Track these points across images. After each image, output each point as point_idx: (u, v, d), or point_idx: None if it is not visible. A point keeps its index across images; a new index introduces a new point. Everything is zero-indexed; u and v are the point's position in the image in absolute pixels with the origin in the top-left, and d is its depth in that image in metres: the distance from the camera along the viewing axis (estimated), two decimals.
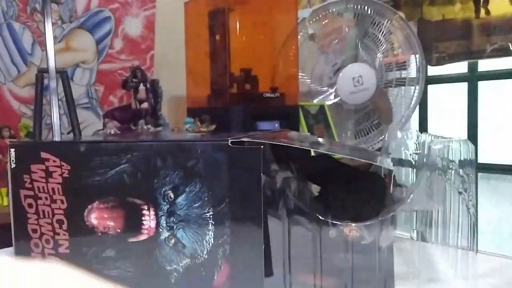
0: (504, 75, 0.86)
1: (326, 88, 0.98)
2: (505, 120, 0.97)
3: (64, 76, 0.88)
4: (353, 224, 0.42)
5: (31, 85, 1.08)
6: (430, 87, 0.94)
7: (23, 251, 0.51)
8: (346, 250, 0.42)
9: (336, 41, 0.98)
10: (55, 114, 0.81)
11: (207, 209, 0.44)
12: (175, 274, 0.46)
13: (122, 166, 0.47)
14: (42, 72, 0.90)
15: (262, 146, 0.42)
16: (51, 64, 0.86)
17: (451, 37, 1.23)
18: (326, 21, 0.98)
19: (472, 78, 0.89)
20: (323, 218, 0.42)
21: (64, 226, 0.49)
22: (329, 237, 0.42)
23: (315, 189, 0.55)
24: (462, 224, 0.43)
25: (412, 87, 0.90)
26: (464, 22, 1.18)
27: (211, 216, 0.44)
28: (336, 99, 0.95)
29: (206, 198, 0.44)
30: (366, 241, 0.41)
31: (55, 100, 0.82)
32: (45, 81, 0.92)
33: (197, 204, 0.44)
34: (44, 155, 0.49)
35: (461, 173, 0.43)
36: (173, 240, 0.45)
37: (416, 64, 0.90)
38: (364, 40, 0.95)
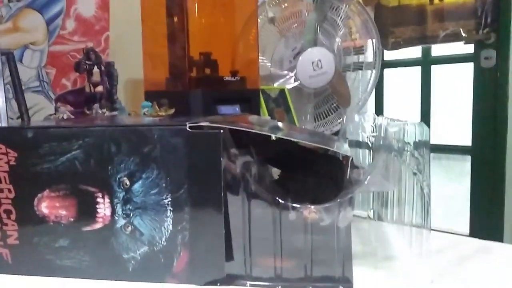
0: (456, 60, 0.89)
1: (286, 72, 0.98)
2: (456, 103, 1.01)
3: (11, 57, 0.82)
4: (312, 207, 0.42)
5: None
6: (386, 71, 0.96)
7: None
8: (305, 232, 0.42)
9: (296, 25, 0.97)
10: (1, 99, 0.76)
11: (165, 195, 0.43)
12: (132, 262, 0.44)
13: (73, 153, 0.44)
14: None
15: (221, 131, 0.42)
16: None
17: (406, 23, 1.26)
18: (286, 4, 0.98)
19: (426, 62, 0.91)
20: (282, 201, 0.42)
21: (13, 216, 0.47)
22: (289, 219, 0.42)
23: (275, 172, 0.55)
24: (416, 203, 0.44)
25: (369, 71, 0.92)
26: (419, 8, 1.21)
27: (169, 203, 0.43)
28: (296, 83, 0.96)
29: (163, 185, 0.43)
30: (324, 222, 0.42)
31: (1, 83, 0.77)
32: None
33: (154, 191, 0.43)
34: None
35: (415, 154, 0.44)
36: (129, 228, 0.44)
37: (373, 48, 0.91)
38: (323, 25, 0.95)
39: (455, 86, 1.06)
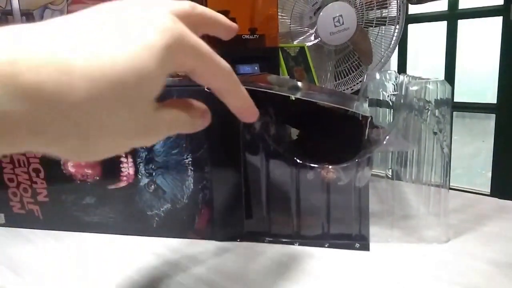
0: (484, 13, 0.85)
1: (307, 28, 0.96)
2: (482, 59, 0.97)
3: (30, 18, 0.83)
4: (330, 167, 0.42)
5: None
6: (410, 26, 0.93)
7: (1, 200, 0.51)
8: (323, 191, 0.43)
9: None
10: None
11: (186, 155, 0.44)
12: (156, 218, 0.46)
13: None
14: (6, 14, 0.84)
15: None
16: (15, 5, 0.80)
17: None
18: None
19: (452, 16, 0.87)
20: (301, 162, 0.43)
21: (41, 175, 0.49)
22: (307, 179, 0.43)
23: (294, 133, 0.55)
24: (436, 163, 0.44)
25: (392, 27, 0.89)
26: None
27: (190, 162, 0.44)
28: (317, 40, 0.93)
29: (184, 145, 0.44)
30: (342, 182, 0.42)
31: None
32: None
33: (175, 151, 0.44)
34: None
35: (436, 113, 0.43)
36: (153, 186, 0.45)
37: (397, 2, 0.87)
38: None
39: (482, 42, 1.02)
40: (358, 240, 0.43)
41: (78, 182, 0.47)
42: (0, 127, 0.19)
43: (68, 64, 0.20)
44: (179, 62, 0.24)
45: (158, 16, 0.23)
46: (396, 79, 0.57)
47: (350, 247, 0.43)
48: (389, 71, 0.60)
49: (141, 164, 0.45)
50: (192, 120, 0.29)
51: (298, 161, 0.43)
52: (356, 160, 0.42)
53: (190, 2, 0.27)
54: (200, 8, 0.29)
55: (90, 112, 0.21)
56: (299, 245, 0.44)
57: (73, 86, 0.20)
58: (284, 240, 0.45)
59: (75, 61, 0.20)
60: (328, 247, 0.43)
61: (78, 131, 0.21)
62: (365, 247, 0.43)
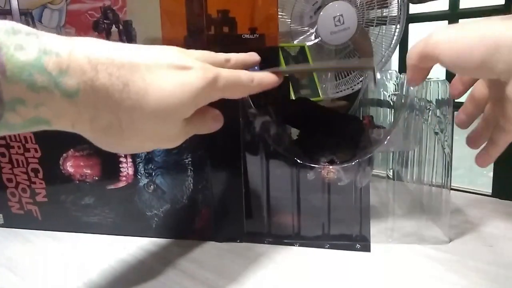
0: (485, 12, 0.85)
1: (307, 28, 0.96)
2: None
3: (29, 17, 0.82)
4: (331, 167, 0.42)
5: None
6: (411, 26, 0.92)
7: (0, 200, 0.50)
8: (323, 191, 0.43)
9: None
10: None
11: (185, 155, 0.44)
12: (155, 219, 0.46)
13: None
14: (5, 14, 0.84)
15: None
16: (14, 4, 0.80)
17: None
18: None
19: (453, 16, 0.87)
20: (301, 162, 0.43)
21: (40, 175, 0.48)
22: (308, 179, 0.43)
23: (294, 133, 0.55)
24: (437, 163, 0.43)
25: (393, 26, 0.88)
26: None
27: (190, 162, 0.44)
28: (317, 40, 0.93)
29: (183, 145, 0.43)
30: (343, 182, 0.42)
31: None
32: None
33: (175, 151, 0.44)
34: None
35: (438, 113, 0.43)
36: (152, 187, 0.45)
37: (398, 1, 0.87)
38: None
39: None
40: (359, 241, 0.43)
41: (77, 182, 0.47)
42: (66, 109, 0.26)
43: (145, 85, 0.28)
44: (209, 98, 0.32)
45: (196, 64, 0.31)
46: (397, 78, 0.57)
47: (351, 248, 0.43)
48: (390, 71, 0.59)
49: (140, 164, 0.45)
50: (208, 124, 0.36)
51: (298, 161, 0.43)
52: (357, 160, 0.42)
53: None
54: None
55: (137, 121, 0.28)
56: (299, 246, 0.44)
57: (145, 100, 0.28)
58: (284, 241, 0.44)
59: (150, 85, 0.28)
60: (328, 248, 0.43)
61: (120, 129, 0.28)
62: (366, 248, 0.42)
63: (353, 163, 0.41)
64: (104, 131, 0.28)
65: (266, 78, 0.36)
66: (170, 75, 0.29)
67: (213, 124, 0.36)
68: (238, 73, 0.34)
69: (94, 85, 0.26)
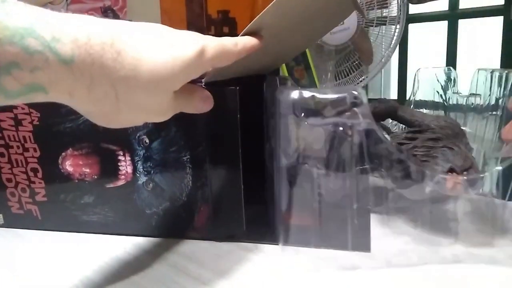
0: (484, 13, 0.84)
1: None
2: (482, 58, 0.97)
3: None
4: (460, 176, 0.35)
5: None
6: (410, 26, 0.92)
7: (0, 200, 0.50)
8: (314, 191, 0.42)
9: None
10: None
11: (184, 153, 0.43)
12: (155, 217, 0.46)
13: None
14: None
15: (237, 88, 0.41)
16: None
17: None
18: None
19: (453, 16, 0.87)
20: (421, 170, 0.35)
21: (39, 174, 0.48)
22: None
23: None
24: None
25: (393, 26, 0.88)
26: None
27: (188, 160, 0.43)
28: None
29: (182, 142, 0.43)
30: (469, 195, 0.36)
31: None
32: None
33: (173, 149, 0.43)
34: None
35: None
36: (151, 185, 0.45)
37: (397, 2, 0.87)
38: None
39: (483, 42, 1.02)
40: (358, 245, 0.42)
41: (76, 181, 0.47)
42: (62, 75, 0.26)
43: (139, 55, 0.29)
44: (200, 69, 0.33)
45: (185, 35, 0.32)
46: (449, 77, 0.52)
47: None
48: (441, 67, 0.54)
49: (139, 162, 0.45)
50: (194, 103, 0.37)
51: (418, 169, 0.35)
52: (486, 172, 0.35)
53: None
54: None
55: (132, 91, 0.29)
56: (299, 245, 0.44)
57: (138, 71, 0.29)
58: (283, 241, 0.44)
59: (143, 56, 0.29)
60: (328, 248, 0.43)
61: (116, 100, 0.29)
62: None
63: (479, 175, 0.35)
64: (101, 101, 0.29)
65: (249, 40, 0.36)
66: (161, 47, 0.30)
67: (200, 104, 0.37)
68: (222, 40, 0.34)
69: (89, 52, 0.27)
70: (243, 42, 0.36)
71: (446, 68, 0.57)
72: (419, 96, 0.59)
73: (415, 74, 0.61)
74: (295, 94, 0.38)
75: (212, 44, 0.33)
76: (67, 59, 0.26)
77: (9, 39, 0.24)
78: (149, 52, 0.29)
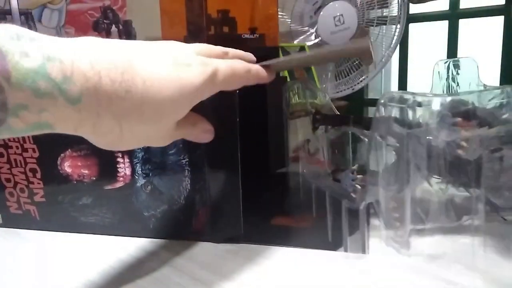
0: (485, 13, 0.84)
1: (307, 28, 0.95)
2: (483, 58, 0.97)
3: (29, 17, 0.82)
4: None
5: None
6: (411, 25, 0.92)
7: None
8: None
9: None
10: None
11: (183, 155, 0.43)
12: (153, 219, 0.46)
13: None
14: (5, 14, 0.84)
15: (237, 91, 0.41)
16: (14, 4, 0.80)
17: None
18: None
19: (453, 16, 0.87)
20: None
21: (38, 175, 0.48)
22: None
23: None
24: None
25: (393, 26, 0.88)
26: None
27: (187, 163, 0.43)
28: (317, 40, 0.93)
29: (181, 145, 0.43)
30: None
31: None
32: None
33: (172, 151, 0.43)
34: None
35: None
36: (149, 187, 0.45)
37: (398, 1, 0.87)
38: None
39: (484, 42, 1.02)
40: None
41: (75, 182, 0.47)
42: (69, 114, 0.26)
43: (146, 89, 0.29)
44: (208, 93, 0.33)
45: (195, 60, 0.32)
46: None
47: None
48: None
49: (137, 164, 0.45)
50: (197, 134, 0.37)
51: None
52: None
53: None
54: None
55: (136, 125, 0.30)
56: (298, 247, 0.44)
57: (145, 108, 0.29)
58: (283, 242, 0.44)
59: (151, 89, 0.29)
60: (327, 249, 0.43)
61: (120, 133, 0.30)
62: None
63: None
64: (106, 134, 0.30)
65: (262, 72, 0.36)
66: (170, 75, 0.30)
67: (201, 135, 0.38)
68: (235, 65, 0.34)
69: (97, 92, 0.27)
70: (256, 71, 0.36)
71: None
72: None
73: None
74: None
75: (224, 67, 0.33)
76: (74, 99, 0.26)
77: (21, 83, 0.24)
78: (157, 81, 0.29)
